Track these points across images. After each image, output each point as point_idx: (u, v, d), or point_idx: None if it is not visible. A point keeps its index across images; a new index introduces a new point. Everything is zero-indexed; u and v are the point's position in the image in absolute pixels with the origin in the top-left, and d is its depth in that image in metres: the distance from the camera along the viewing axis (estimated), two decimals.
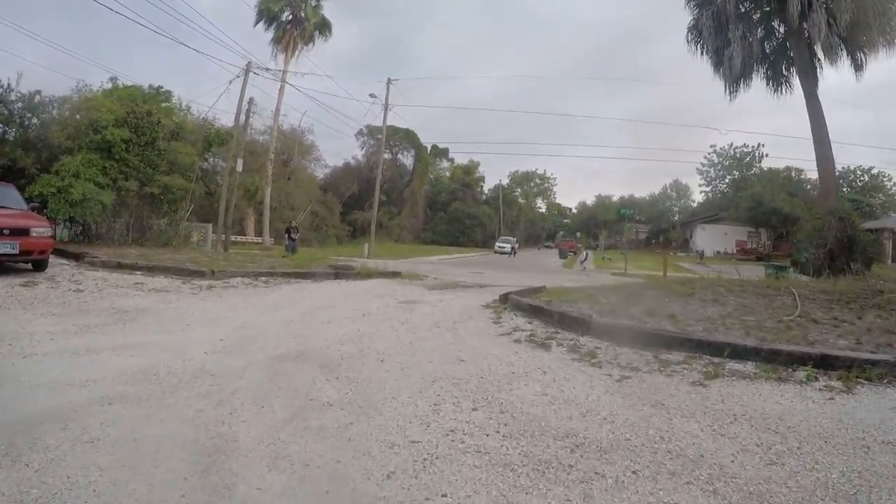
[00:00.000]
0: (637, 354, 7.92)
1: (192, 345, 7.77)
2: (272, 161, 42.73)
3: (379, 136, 73.20)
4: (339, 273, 19.46)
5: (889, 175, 78.84)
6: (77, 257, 18.84)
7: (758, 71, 23.50)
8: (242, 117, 33.32)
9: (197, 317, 10.10)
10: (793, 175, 74.00)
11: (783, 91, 23.47)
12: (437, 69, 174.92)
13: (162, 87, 30.52)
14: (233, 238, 45.30)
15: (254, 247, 41.77)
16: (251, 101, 33.48)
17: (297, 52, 43.72)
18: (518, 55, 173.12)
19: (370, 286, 17.39)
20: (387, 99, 43.13)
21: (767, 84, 22.61)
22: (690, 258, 57.91)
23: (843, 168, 73.48)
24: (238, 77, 32.87)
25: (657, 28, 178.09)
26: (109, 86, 28.28)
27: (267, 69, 36.69)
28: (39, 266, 15.16)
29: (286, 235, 32.15)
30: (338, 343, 8.26)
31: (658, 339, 8.47)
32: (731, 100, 22.25)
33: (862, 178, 77.29)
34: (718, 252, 60.51)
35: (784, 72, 23.55)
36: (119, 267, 17.26)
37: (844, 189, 71.91)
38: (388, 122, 65.29)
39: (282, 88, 42.42)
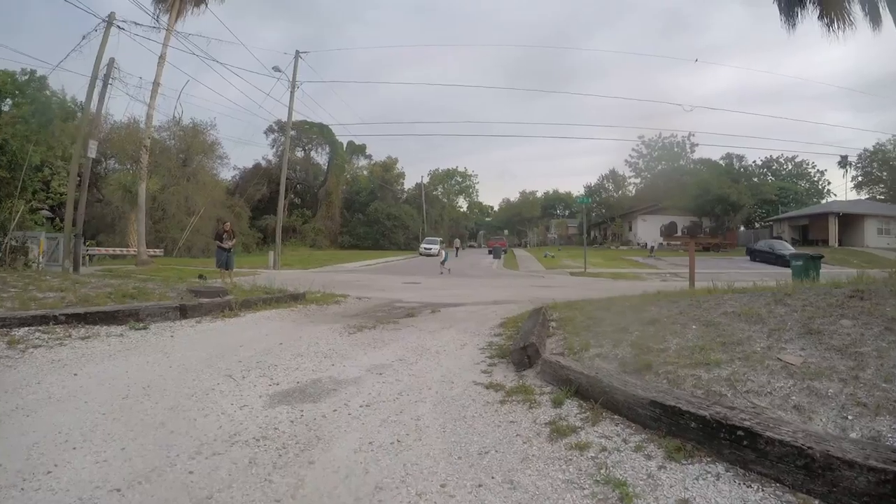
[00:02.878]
0: None
1: None
2: (147, 149, 32.56)
3: (291, 132, 64.05)
4: (192, 306, 10.55)
5: (813, 163, 77.03)
6: None
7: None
8: (99, 85, 23.66)
9: None
10: (734, 162, 69.68)
11: (841, 25, 15.43)
12: (361, 70, 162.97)
13: (36, 72, 21.57)
14: (106, 251, 35.82)
15: (131, 261, 31.98)
16: (111, 62, 23.94)
17: (184, 14, 33.64)
18: (444, 55, 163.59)
19: (233, 337, 8.78)
20: (294, 75, 34.15)
21: (821, 16, 14.84)
22: (637, 251, 51.21)
23: (766, 157, 73.60)
24: (97, 31, 23.37)
25: (581, 30, 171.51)
26: None
27: (136, 23, 27.40)
28: None
29: (218, 244, 19.80)
30: None
31: None
32: (789, 30, 14.65)
33: (786, 167, 74.25)
34: (661, 244, 53.46)
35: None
36: None
37: (769, 178, 69.66)
38: (302, 118, 56.61)
39: (162, 56, 31.72)
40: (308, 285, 16.24)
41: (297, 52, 34.35)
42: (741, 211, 58.63)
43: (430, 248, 53.49)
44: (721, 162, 67.93)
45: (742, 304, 8.08)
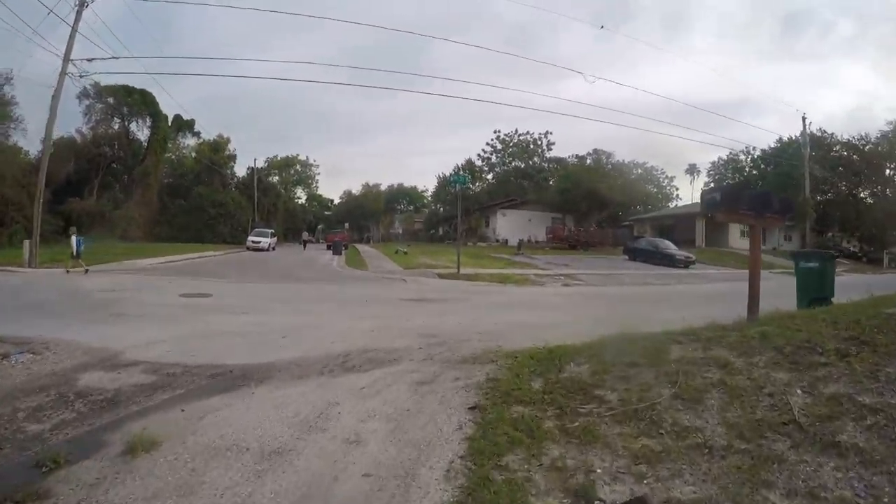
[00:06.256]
0: None
1: None
2: None
3: (109, 98, 50.48)
4: None
5: (662, 169, 74.69)
6: None
7: None
8: None
9: None
10: (602, 159, 63.01)
11: None
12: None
13: None
14: None
15: None
16: None
17: None
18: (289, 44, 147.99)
19: None
20: None
21: None
22: (500, 248, 44.39)
23: (617, 161, 67.28)
24: None
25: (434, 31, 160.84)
26: None
27: None
28: None
29: None
30: None
31: None
32: None
33: (635, 171, 70.12)
34: (522, 240, 45.80)
35: None
36: None
37: (618, 182, 65.60)
38: (121, 82, 44.27)
39: None
40: None
41: None
42: (607, 209, 53.54)
43: (259, 242, 43.28)
44: (588, 158, 62.99)
45: None
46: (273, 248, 44.61)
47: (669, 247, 33.86)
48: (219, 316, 9.78)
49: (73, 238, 20.49)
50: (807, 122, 38.08)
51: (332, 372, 5.82)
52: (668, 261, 31.52)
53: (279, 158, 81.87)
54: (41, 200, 25.35)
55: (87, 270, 19.37)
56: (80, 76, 25.28)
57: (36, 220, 24.27)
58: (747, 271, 8.26)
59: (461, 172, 55.29)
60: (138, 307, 10.62)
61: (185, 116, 58.95)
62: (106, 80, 36.23)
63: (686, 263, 31.32)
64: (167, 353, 6.73)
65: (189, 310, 10.51)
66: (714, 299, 16.62)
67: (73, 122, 57.74)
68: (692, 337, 6.10)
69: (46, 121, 25.53)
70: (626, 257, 35.74)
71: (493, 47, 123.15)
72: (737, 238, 48.47)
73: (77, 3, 23.47)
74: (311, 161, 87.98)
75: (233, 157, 64.33)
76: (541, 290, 17.58)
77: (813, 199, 40.46)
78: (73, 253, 19.95)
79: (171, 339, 7.54)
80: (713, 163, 70.14)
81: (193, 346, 7.14)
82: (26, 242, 23.17)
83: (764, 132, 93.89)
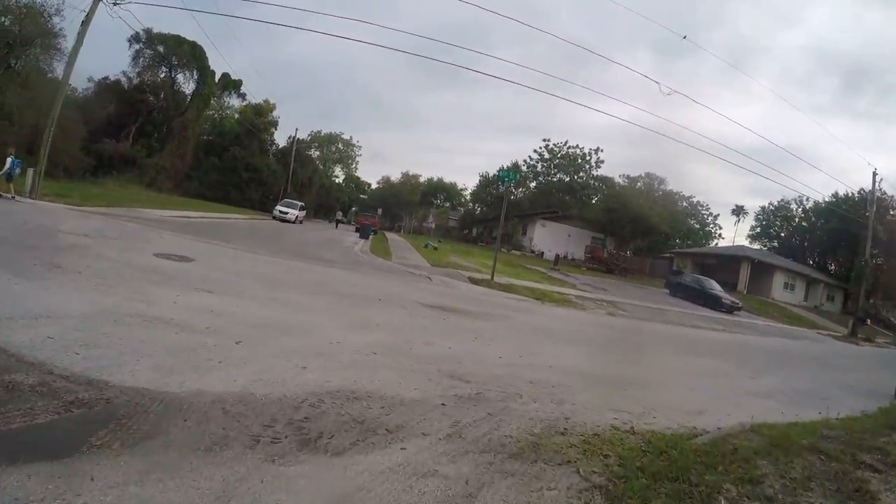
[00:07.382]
0: None
1: None
2: None
3: (159, 45, 48.47)
4: None
5: (707, 205, 72.54)
6: None
7: None
8: None
9: None
10: (655, 185, 60.12)
11: None
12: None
13: None
14: None
15: None
16: None
17: None
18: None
19: None
20: None
21: None
22: (534, 260, 41.77)
23: (670, 189, 65.12)
24: None
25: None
26: None
27: None
28: None
29: None
30: None
31: None
32: None
33: (680, 204, 66.42)
34: (558, 256, 42.65)
35: None
36: None
37: (667, 211, 62.36)
38: (172, 31, 42.04)
39: None
40: None
41: None
42: (650, 236, 50.54)
43: (287, 213, 40.70)
44: (639, 181, 59.83)
45: None
46: (300, 222, 42.18)
47: (715, 287, 30.85)
48: (173, 290, 7.08)
49: (9, 160, 18.49)
50: (877, 178, 34.57)
51: (276, 443, 3.14)
52: (713, 302, 28.68)
53: (323, 134, 79.70)
54: (52, 129, 23.17)
55: (14, 197, 17.40)
56: (115, 3, 23.25)
57: (44, 148, 22.22)
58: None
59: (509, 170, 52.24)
60: (88, 260, 8.05)
61: (234, 77, 56.90)
62: (145, 15, 33.72)
63: (731, 309, 28.41)
64: (47, 339, 4.17)
65: (142, 274, 7.86)
66: (791, 360, 13.95)
67: (120, 66, 56.09)
68: (877, 455, 4.06)
69: (72, 47, 23.57)
70: (667, 291, 32.90)
71: (563, 36, 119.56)
72: (780, 289, 46.05)
73: None
74: (354, 141, 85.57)
75: (274, 124, 61.59)
76: (585, 317, 14.86)
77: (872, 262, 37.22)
78: (6, 175, 17.97)
79: (75, 316, 4.98)
80: (763, 207, 67.46)
81: (94, 334, 4.54)
82: (30, 171, 20.94)
83: (823, 180, 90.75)
